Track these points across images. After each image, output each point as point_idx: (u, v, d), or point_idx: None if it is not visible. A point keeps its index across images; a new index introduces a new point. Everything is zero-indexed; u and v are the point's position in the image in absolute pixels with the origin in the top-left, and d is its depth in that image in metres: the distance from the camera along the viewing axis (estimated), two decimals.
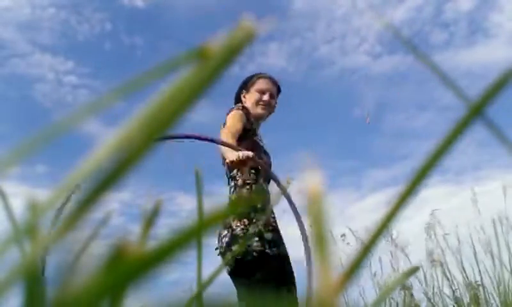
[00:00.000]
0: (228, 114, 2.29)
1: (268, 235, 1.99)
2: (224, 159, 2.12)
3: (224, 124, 2.23)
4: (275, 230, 2.05)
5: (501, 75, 0.16)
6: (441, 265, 3.45)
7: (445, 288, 3.42)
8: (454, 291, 3.35)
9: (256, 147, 2.21)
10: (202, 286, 0.24)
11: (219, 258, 2.03)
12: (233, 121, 2.22)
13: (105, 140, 0.15)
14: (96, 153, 0.15)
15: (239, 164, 1.89)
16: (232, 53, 0.16)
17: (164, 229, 0.15)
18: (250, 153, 1.89)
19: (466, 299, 3.26)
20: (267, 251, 1.95)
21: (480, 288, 3.20)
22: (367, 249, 0.17)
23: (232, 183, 2.17)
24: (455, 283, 3.38)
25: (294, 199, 2.22)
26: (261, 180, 2.17)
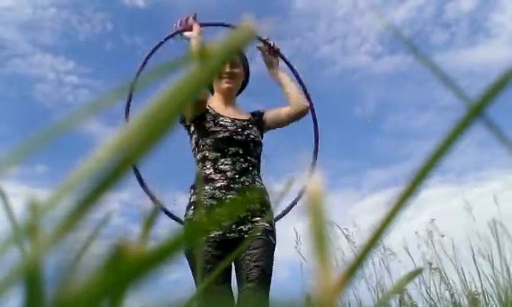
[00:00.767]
0: None
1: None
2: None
3: None
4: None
5: (501, 75, 0.16)
6: (440, 272, 3.45)
7: (443, 293, 3.43)
8: (452, 295, 3.36)
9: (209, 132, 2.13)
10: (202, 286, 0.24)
11: None
12: None
13: (106, 140, 0.15)
14: (96, 153, 0.15)
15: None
16: (232, 53, 0.16)
17: (164, 229, 0.15)
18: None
19: (465, 303, 3.26)
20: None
21: (480, 295, 3.20)
22: (367, 250, 0.17)
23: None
24: (453, 288, 3.38)
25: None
26: (207, 166, 2.07)
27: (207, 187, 2.00)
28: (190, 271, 1.91)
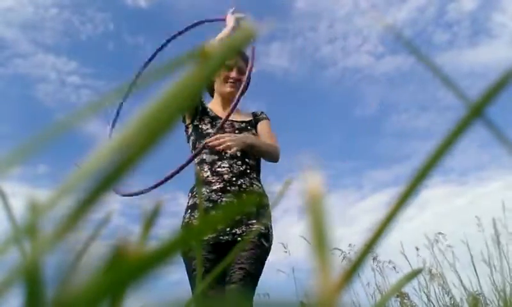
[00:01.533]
0: None
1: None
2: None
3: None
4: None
5: (501, 75, 0.16)
6: (440, 277, 3.45)
7: (443, 297, 3.42)
8: (451, 298, 3.35)
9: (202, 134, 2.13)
10: (202, 286, 0.24)
11: None
12: None
13: (106, 140, 0.15)
14: (96, 153, 0.15)
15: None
16: (232, 53, 0.16)
17: (165, 229, 0.15)
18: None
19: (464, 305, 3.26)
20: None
21: (481, 297, 3.19)
22: (367, 250, 0.17)
23: None
24: (453, 292, 3.38)
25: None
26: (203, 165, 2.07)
27: (203, 190, 2.00)
28: (186, 273, 1.91)
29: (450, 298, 3.35)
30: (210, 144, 1.97)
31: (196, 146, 2.12)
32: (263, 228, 2.01)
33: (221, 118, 2.14)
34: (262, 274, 1.94)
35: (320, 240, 0.16)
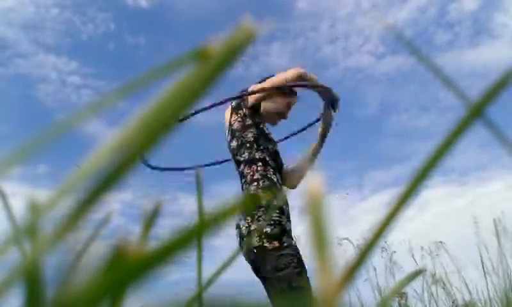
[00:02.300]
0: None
1: (267, 229, 1.97)
2: (234, 154, 2.13)
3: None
4: (278, 224, 2.01)
5: (501, 75, 0.16)
6: (443, 282, 3.44)
7: (444, 298, 3.42)
8: (453, 302, 3.35)
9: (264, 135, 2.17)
10: (202, 287, 0.24)
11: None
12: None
13: (106, 140, 0.15)
14: (97, 154, 0.15)
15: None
16: (232, 54, 0.16)
17: (165, 229, 0.15)
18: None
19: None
20: (265, 244, 1.94)
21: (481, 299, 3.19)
22: (367, 250, 0.17)
23: (243, 181, 2.15)
24: (455, 294, 3.38)
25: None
26: (270, 172, 2.08)
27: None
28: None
29: (453, 301, 3.35)
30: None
31: (260, 143, 2.12)
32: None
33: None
34: None
35: (320, 240, 0.16)
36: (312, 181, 0.17)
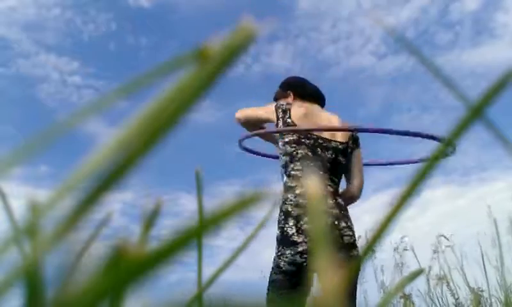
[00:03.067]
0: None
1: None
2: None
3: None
4: (280, 230, 1.97)
5: (501, 76, 0.16)
6: (447, 280, 3.43)
7: (447, 296, 3.41)
8: (456, 299, 3.35)
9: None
10: (202, 287, 0.24)
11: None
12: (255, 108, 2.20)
13: (107, 140, 0.15)
14: (97, 153, 0.15)
15: None
16: (232, 54, 0.16)
17: (165, 230, 0.15)
18: None
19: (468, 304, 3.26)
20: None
21: (484, 294, 3.19)
22: (367, 250, 0.17)
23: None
24: (458, 292, 3.37)
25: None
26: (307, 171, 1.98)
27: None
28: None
29: (456, 299, 3.34)
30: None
31: (288, 167, 2.06)
32: (351, 234, 2.00)
33: (303, 130, 2.09)
34: (269, 274, 1.99)
35: (320, 240, 0.16)
36: (312, 181, 0.17)
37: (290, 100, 2.26)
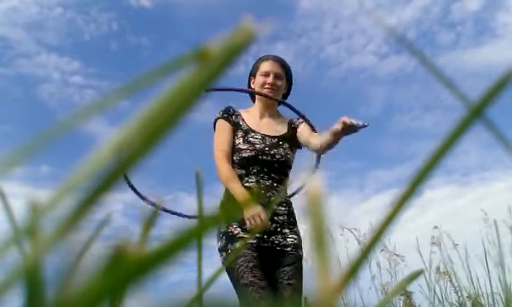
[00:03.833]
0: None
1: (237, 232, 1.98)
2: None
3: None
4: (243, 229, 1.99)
5: (501, 76, 0.16)
6: (449, 275, 3.43)
7: (449, 295, 3.41)
8: (459, 298, 3.34)
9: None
10: (202, 287, 0.24)
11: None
12: (216, 135, 2.15)
13: (107, 140, 0.15)
14: (97, 153, 0.15)
15: None
16: (232, 54, 0.16)
17: (165, 229, 0.15)
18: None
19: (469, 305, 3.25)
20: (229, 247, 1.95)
21: (484, 296, 3.19)
22: (367, 250, 0.16)
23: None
24: (459, 291, 3.37)
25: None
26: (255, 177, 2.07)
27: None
28: (232, 284, 1.93)
29: (459, 297, 3.34)
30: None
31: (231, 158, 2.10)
32: (296, 237, 2.07)
33: (253, 131, 2.16)
34: None
35: (320, 240, 0.16)
36: (312, 181, 0.17)
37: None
